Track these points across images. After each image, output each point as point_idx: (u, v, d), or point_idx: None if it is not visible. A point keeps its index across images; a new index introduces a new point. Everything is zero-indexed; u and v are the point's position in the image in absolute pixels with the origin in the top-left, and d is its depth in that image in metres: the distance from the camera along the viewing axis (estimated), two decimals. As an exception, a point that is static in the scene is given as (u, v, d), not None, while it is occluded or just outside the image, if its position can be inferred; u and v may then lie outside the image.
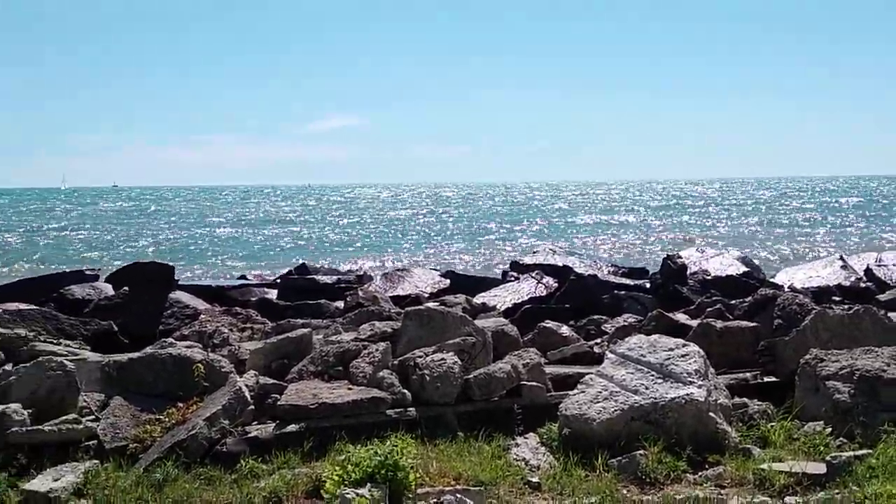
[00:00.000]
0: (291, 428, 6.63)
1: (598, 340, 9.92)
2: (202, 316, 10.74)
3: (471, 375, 7.28)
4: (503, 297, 13.83)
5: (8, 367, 7.67)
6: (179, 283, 12.94)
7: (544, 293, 13.80)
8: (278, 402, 6.90)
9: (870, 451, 5.95)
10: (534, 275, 14.65)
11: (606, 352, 7.70)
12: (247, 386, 7.03)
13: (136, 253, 36.37)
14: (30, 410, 6.80)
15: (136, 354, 7.81)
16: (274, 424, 6.73)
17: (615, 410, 6.49)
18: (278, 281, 16.55)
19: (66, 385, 7.06)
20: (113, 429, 6.72)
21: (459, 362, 7.34)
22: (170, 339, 8.88)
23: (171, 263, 12.74)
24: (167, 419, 6.80)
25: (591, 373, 7.12)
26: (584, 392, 6.80)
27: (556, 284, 14.06)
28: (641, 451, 6.08)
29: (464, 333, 7.95)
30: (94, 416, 6.98)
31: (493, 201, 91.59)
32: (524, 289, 14.09)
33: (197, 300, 11.89)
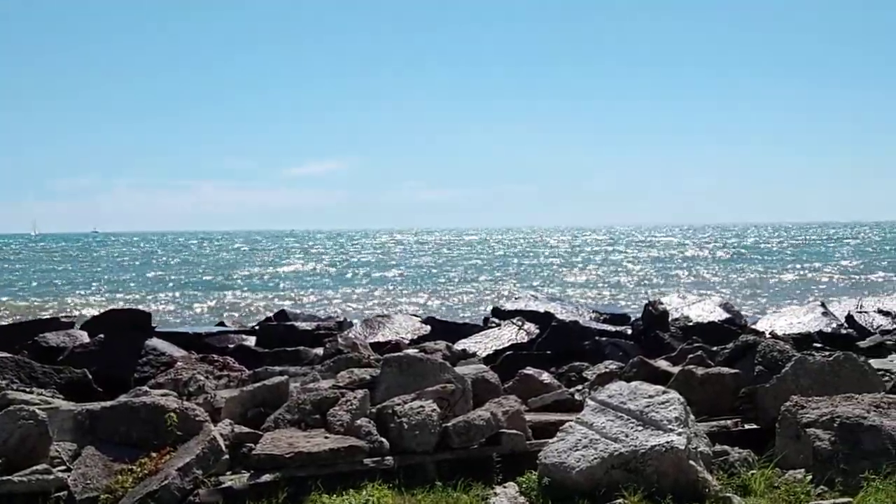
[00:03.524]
0: (266, 477, 6.52)
1: (580, 387, 9.86)
2: (178, 363, 10.60)
3: (450, 423, 7.19)
4: (484, 343, 13.77)
5: (-22, 415, 7.54)
6: (156, 329, 12.82)
7: (525, 339, 13.76)
8: (253, 452, 6.79)
9: (850, 499, 5.92)
10: (515, 321, 14.62)
11: (587, 399, 7.64)
12: (221, 435, 6.90)
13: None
14: (0, 460, 6.66)
15: (109, 403, 7.67)
16: (248, 474, 6.61)
17: (595, 458, 6.42)
18: (257, 328, 16.44)
19: (37, 434, 6.91)
20: (84, 479, 6.58)
21: (438, 410, 7.26)
22: (144, 388, 8.77)
23: (146, 310, 12.64)
24: (139, 469, 6.66)
25: (572, 420, 7.05)
26: (563, 440, 6.73)
27: (537, 331, 14.04)
28: (621, 500, 6.02)
29: (443, 380, 7.87)
30: (65, 467, 6.84)
31: (474, 246, 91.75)
32: (505, 335, 14.05)
33: (173, 347, 11.78)
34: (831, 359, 8.28)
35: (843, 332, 15.73)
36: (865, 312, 17.68)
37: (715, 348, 10.61)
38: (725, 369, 8.85)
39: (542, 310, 16.26)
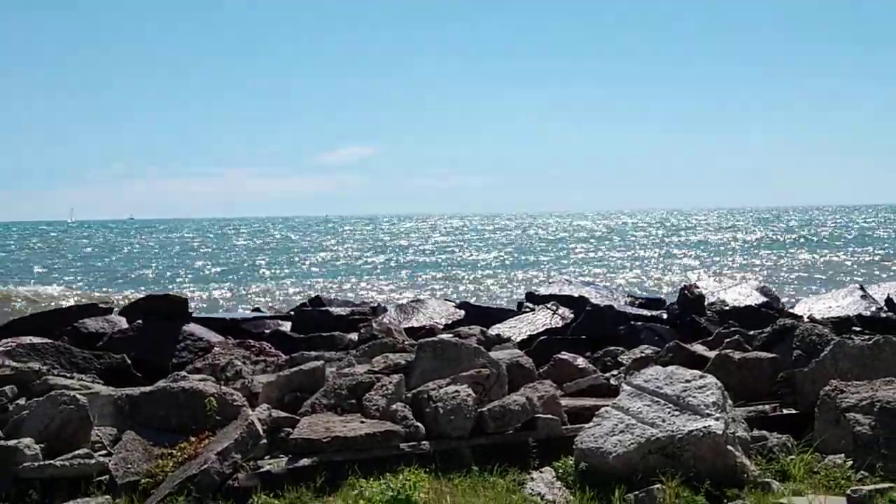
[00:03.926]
0: (304, 462, 6.57)
1: (615, 372, 9.81)
2: (215, 349, 10.69)
3: (485, 408, 7.20)
4: (518, 328, 13.72)
5: (21, 401, 7.67)
6: (193, 315, 12.92)
7: (560, 324, 13.69)
8: (291, 436, 6.84)
9: (892, 484, 5.84)
10: (549, 306, 14.54)
11: (623, 383, 7.60)
12: (259, 419, 6.97)
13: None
14: (42, 445, 6.78)
15: (148, 388, 7.78)
16: (286, 459, 6.67)
17: (632, 443, 6.40)
18: (292, 313, 16.51)
19: (78, 419, 7.02)
20: (125, 463, 6.67)
21: (473, 395, 7.26)
22: (182, 373, 8.84)
23: (184, 296, 12.75)
24: (179, 454, 6.74)
25: (608, 405, 7.02)
26: (599, 425, 6.71)
27: (571, 315, 13.95)
28: (658, 486, 5.98)
29: (478, 365, 7.88)
30: (106, 451, 6.94)
31: (509, 232, 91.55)
32: (539, 320, 13.99)
33: (210, 332, 11.86)
34: (871, 342, 8.18)
35: (883, 315, 15.49)
36: (905, 295, 17.40)
37: (752, 332, 10.49)
38: (763, 353, 8.77)
39: (576, 294, 16.16)
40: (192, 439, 6.91)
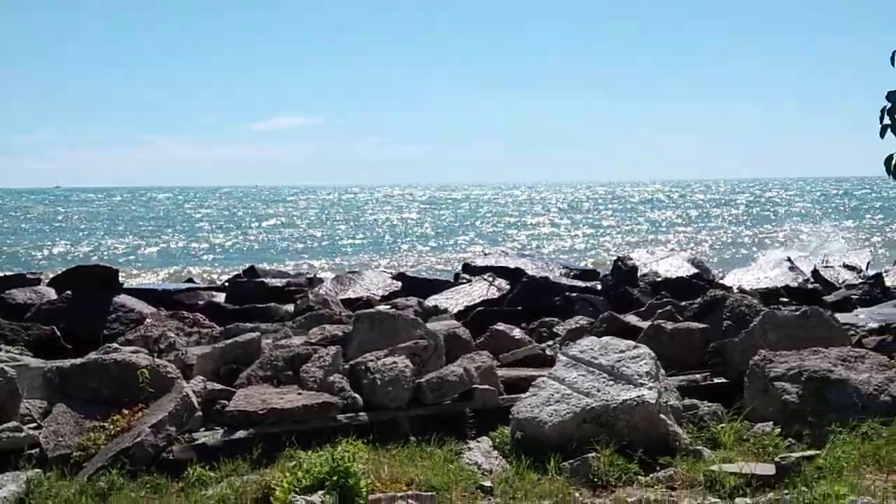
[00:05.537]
0: (240, 434, 6.52)
1: (550, 343, 9.93)
2: (147, 320, 10.52)
3: (423, 379, 7.23)
4: (455, 299, 13.79)
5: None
6: (124, 286, 12.70)
7: (496, 295, 13.80)
8: (226, 408, 6.79)
9: (818, 451, 6.00)
10: (486, 277, 14.65)
11: (558, 354, 7.69)
12: (194, 391, 6.89)
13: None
14: (-31, 418, 6.61)
15: (79, 360, 7.62)
16: (222, 431, 6.62)
17: (567, 413, 6.48)
18: (226, 284, 16.33)
19: (7, 392, 6.86)
20: (56, 437, 6.54)
21: (411, 366, 7.28)
22: (114, 345, 8.69)
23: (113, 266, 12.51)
24: (112, 427, 6.63)
25: (544, 375, 7.10)
26: (536, 395, 6.78)
27: (508, 286, 14.08)
28: (593, 454, 6.07)
29: (416, 336, 7.89)
30: (35, 424, 6.80)
31: (447, 204, 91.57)
32: (476, 291, 14.07)
33: (142, 304, 11.68)
34: (798, 313, 8.39)
35: (810, 286, 15.94)
36: (831, 267, 17.95)
37: (683, 303, 10.71)
38: (694, 324, 8.94)
39: (512, 266, 16.31)
40: (125, 412, 6.79)
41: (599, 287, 14.83)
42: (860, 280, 16.29)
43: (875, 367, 7.22)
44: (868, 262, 20.89)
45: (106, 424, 6.67)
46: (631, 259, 15.92)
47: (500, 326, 9.70)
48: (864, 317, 11.06)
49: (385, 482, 5.75)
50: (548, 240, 42.68)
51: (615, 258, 16.16)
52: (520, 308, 12.40)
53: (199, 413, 6.76)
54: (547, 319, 11.42)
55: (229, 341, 8.35)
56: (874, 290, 14.33)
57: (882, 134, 3.88)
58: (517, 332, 9.66)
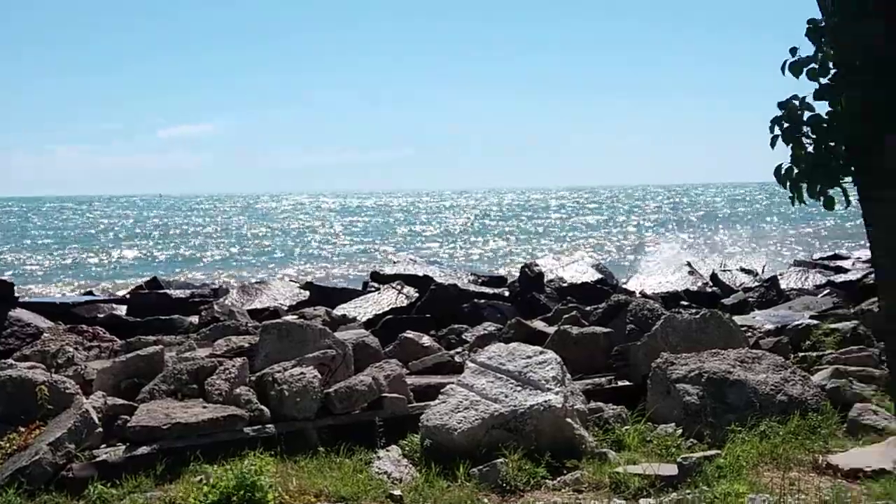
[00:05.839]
0: (143, 450, 6.36)
1: (459, 349, 9.99)
2: (45, 334, 10.18)
3: (331, 389, 7.17)
4: (364, 308, 13.74)
5: None
6: (20, 300, 12.27)
7: (405, 303, 13.80)
8: (128, 424, 6.61)
9: (718, 451, 6.18)
10: (394, 285, 14.64)
11: (467, 361, 7.73)
12: (94, 408, 6.69)
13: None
14: None
15: (-29, 377, 7.31)
16: (124, 447, 6.44)
17: (476, 419, 6.52)
18: (128, 296, 15.92)
19: None
20: (-54, 458, 6.27)
21: (319, 376, 7.22)
22: (9, 360, 8.38)
23: (8, 279, 12.08)
24: (7, 445, 6.40)
25: (452, 382, 7.13)
26: (445, 402, 6.81)
27: (416, 294, 14.09)
28: (502, 459, 6.13)
29: (324, 346, 7.83)
30: (-76, 445, 6.50)
31: (358, 212, 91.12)
32: (385, 299, 14.05)
33: (39, 318, 11.29)
34: (698, 316, 8.64)
35: (709, 290, 16.43)
36: (729, 271, 18.55)
37: (588, 308, 10.90)
38: (599, 328, 9.11)
39: (420, 273, 16.34)
40: (22, 430, 6.57)
41: (507, 293, 14.98)
42: (756, 283, 16.85)
43: (772, 368, 7.48)
44: (764, 266, 21.69)
45: (2, 443, 6.44)
46: (537, 265, 16.12)
47: (409, 334, 9.71)
48: (761, 319, 11.43)
49: (293, 494, 5.70)
50: (459, 247, 42.88)
51: (522, 265, 16.34)
52: (428, 315, 12.44)
53: (100, 429, 6.57)
54: (456, 326, 11.49)
55: (131, 355, 8.12)
56: (770, 293, 14.84)
57: (773, 144, 4.01)
58: (426, 340, 9.69)
